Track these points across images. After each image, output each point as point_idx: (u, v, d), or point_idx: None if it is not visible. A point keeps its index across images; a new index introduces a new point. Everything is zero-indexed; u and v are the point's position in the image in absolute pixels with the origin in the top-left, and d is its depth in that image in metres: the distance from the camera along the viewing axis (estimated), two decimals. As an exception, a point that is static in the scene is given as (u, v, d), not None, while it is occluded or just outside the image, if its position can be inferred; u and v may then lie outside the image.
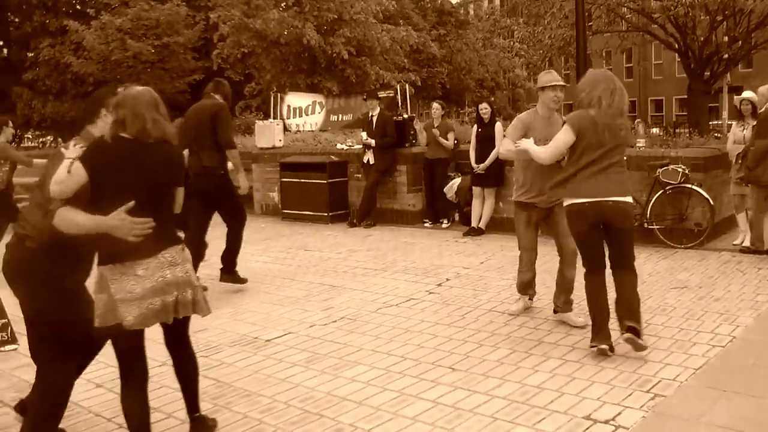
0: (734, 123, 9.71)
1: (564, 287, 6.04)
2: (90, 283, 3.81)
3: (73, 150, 3.72)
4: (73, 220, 3.54)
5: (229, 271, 7.68)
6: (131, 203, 3.47)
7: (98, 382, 5.04)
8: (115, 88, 3.99)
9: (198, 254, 7.27)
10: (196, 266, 7.26)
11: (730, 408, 4.21)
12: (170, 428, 4.27)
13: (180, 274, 3.66)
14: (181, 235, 3.94)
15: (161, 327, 3.79)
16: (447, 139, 11.45)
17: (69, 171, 3.55)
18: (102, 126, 3.87)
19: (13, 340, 6.01)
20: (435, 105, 12.08)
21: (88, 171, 3.54)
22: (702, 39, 25.61)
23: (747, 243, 8.85)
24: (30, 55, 28.06)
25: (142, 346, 3.71)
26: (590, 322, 5.37)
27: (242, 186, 7.54)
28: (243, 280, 7.72)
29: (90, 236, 3.56)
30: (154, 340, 3.93)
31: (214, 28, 24.83)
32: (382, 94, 15.80)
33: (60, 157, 3.72)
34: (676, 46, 26.64)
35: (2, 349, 5.88)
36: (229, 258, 7.65)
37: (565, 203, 5.32)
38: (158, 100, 3.74)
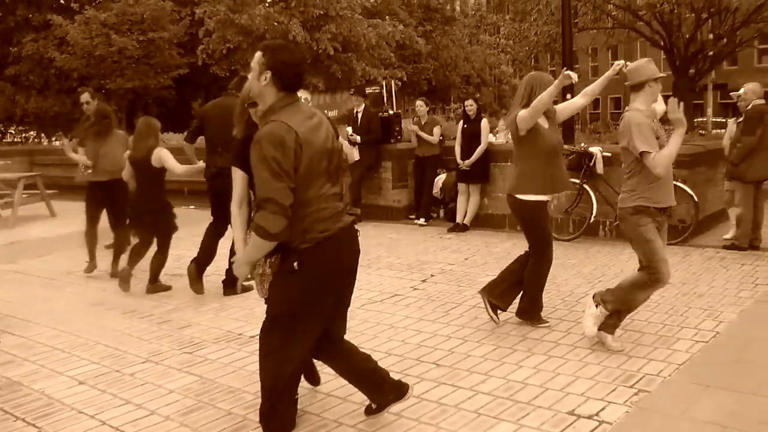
0: (731, 119, 9.74)
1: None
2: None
3: None
4: None
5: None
6: None
7: (81, 379, 5.01)
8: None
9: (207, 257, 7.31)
10: (201, 270, 7.25)
11: (714, 403, 4.22)
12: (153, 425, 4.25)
13: None
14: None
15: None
16: (432, 134, 11.42)
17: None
18: None
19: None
20: (419, 103, 11.99)
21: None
22: (687, 36, 25.81)
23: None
24: (13, 50, 27.78)
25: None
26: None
27: None
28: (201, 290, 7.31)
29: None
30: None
31: (199, 23, 24.74)
32: (368, 90, 15.77)
33: None
34: (662, 43, 26.81)
35: None
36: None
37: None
38: None
